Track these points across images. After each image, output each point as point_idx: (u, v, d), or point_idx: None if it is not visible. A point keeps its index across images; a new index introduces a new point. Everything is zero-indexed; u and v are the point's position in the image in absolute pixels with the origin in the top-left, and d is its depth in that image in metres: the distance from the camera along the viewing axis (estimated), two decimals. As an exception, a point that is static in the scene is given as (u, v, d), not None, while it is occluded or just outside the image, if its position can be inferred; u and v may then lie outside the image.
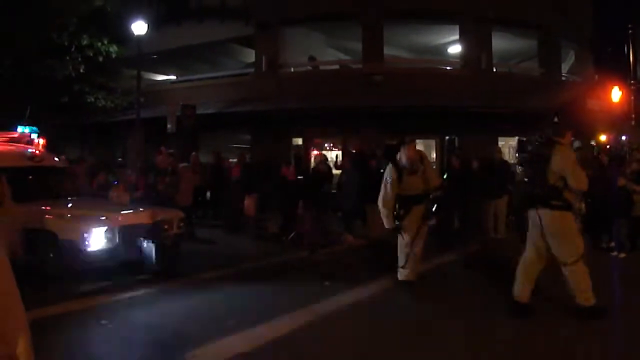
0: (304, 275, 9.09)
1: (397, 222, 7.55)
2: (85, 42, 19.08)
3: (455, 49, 21.40)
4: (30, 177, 9.28)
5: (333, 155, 18.34)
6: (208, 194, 15.44)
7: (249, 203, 12.94)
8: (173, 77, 25.35)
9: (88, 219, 8.11)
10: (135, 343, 5.52)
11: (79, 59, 19.19)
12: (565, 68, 23.53)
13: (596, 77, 25.92)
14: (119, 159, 22.88)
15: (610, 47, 36.25)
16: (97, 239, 7.82)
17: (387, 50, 20.05)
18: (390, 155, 7.66)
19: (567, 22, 21.57)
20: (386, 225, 7.69)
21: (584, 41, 24.12)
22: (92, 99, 20.37)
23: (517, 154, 10.43)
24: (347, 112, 17.84)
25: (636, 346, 5.39)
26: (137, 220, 8.52)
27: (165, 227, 8.82)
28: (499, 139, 18.99)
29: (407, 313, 6.58)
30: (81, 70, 19.27)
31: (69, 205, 9.04)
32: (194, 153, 14.85)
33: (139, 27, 17.86)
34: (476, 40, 19.73)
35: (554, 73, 21.68)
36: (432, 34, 21.35)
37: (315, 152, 17.26)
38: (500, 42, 20.42)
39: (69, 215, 8.39)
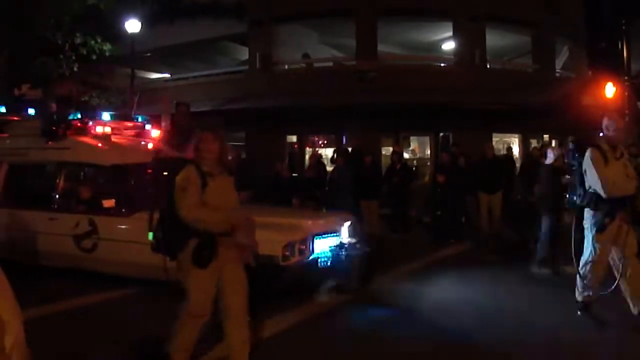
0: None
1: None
2: (78, 41, 19.07)
3: (449, 46, 21.46)
4: None
5: (328, 151, 18.34)
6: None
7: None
8: (167, 75, 25.28)
9: (284, 228, 6.77)
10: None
11: (73, 58, 19.18)
12: (559, 64, 23.57)
13: (590, 73, 25.93)
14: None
15: (604, 43, 36.26)
16: (294, 252, 6.56)
17: (381, 47, 20.09)
18: (584, 144, 6.07)
19: (561, 19, 21.62)
20: None
21: (578, 37, 24.17)
22: (86, 98, 20.34)
23: None
24: (341, 109, 17.83)
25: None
26: (329, 227, 7.24)
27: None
28: (494, 135, 19.01)
29: (408, 310, 6.66)
30: (75, 69, 19.26)
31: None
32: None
33: (133, 25, 17.89)
34: (470, 37, 19.77)
35: (547, 69, 21.75)
36: (426, 30, 21.38)
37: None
38: (494, 39, 20.48)
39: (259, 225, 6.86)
